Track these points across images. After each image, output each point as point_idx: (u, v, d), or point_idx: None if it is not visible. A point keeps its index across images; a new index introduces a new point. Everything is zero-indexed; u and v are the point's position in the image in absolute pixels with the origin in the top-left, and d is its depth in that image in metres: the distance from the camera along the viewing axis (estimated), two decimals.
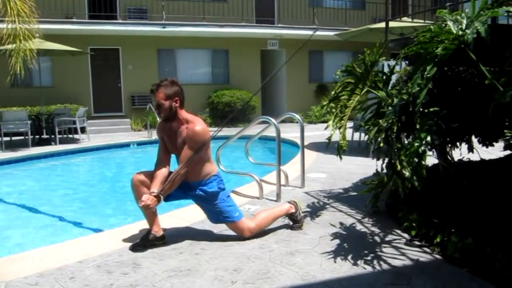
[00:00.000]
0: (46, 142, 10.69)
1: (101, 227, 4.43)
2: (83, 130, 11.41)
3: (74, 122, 11.01)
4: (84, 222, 4.86)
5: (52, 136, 10.77)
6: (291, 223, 3.77)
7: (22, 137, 10.56)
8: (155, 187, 3.22)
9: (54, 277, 2.83)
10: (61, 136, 10.96)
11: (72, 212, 5.35)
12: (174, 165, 3.41)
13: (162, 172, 3.33)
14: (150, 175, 3.34)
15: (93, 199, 6.26)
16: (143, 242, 3.33)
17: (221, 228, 3.71)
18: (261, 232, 3.60)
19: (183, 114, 3.34)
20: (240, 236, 3.48)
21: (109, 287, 2.69)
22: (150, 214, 3.35)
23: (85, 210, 5.50)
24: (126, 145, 11.06)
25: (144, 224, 3.58)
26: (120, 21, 14.08)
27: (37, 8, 7.93)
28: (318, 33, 14.66)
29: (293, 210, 3.75)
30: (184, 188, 3.39)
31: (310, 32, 15.47)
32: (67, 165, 9.35)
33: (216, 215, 3.46)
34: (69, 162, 9.51)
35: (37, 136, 10.94)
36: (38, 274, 2.87)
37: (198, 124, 3.28)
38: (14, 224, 5.01)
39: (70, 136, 11.66)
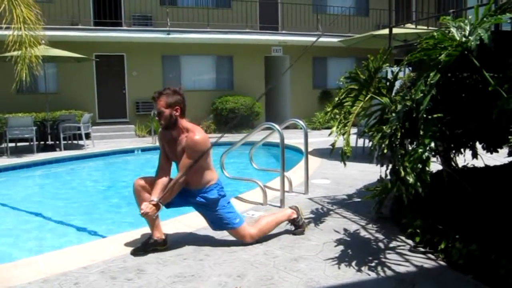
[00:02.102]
0: (51, 148, 10.74)
1: (105, 233, 4.44)
2: (87, 136, 11.45)
3: (79, 128, 11.06)
4: (88, 228, 4.87)
5: (57, 142, 10.82)
6: (293, 228, 3.78)
7: (27, 143, 10.61)
8: (155, 195, 3.26)
9: (59, 282, 2.84)
10: (66, 142, 11.01)
11: (76, 218, 5.36)
12: (175, 172, 3.43)
13: (163, 180, 3.38)
14: (151, 181, 3.39)
15: (97, 205, 6.27)
16: (144, 247, 3.36)
17: (225, 234, 3.71)
18: (265, 238, 3.60)
19: (184, 123, 3.36)
20: (243, 242, 3.49)
21: None
22: (151, 219, 3.37)
23: (89, 216, 5.51)
24: (130, 151, 11.08)
25: (147, 230, 3.59)
26: (125, 28, 14.17)
27: (43, 15, 8.00)
28: (322, 39, 14.70)
29: (295, 216, 3.77)
30: (185, 195, 3.42)
31: (314, 39, 15.52)
32: (71, 171, 9.38)
33: (217, 221, 3.48)
34: (73, 168, 9.54)
35: (42, 142, 10.99)
36: (42, 279, 2.88)
37: (197, 133, 3.29)
38: (18, 229, 5.03)
39: (75, 142, 11.70)
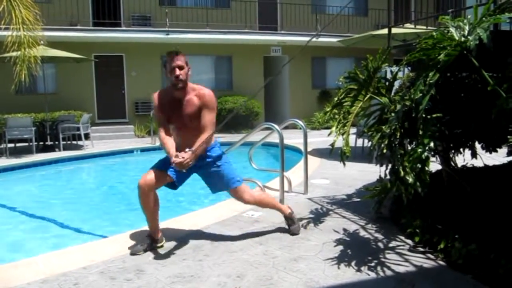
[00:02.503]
0: (50, 149, 10.73)
1: (104, 233, 4.44)
2: (87, 136, 11.45)
3: (78, 129, 11.06)
4: (87, 228, 4.86)
5: (56, 142, 10.81)
6: (287, 226, 3.81)
7: (27, 144, 10.60)
8: (173, 149, 3.19)
9: (58, 283, 2.83)
10: (65, 142, 10.99)
11: (75, 218, 5.35)
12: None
13: (171, 138, 3.33)
14: (158, 176, 3.26)
15: (97, 206, 6.27)
16: (143, 246, 3.38)
17: (224, 233, 3.72)
18: (265, 238, 3.61)
19: (189, 83, 3.40)
20: (242, 201, 3.61)
21: None
22: (152, 218, 3.38)
23: (89, 216, 5.50)
24: (129, 152, 11.07)
25: (146, 230, 3.58)
26: (124, 28, 14.17)
27: (42, 15, 7.98)
28: (321, 39, 14.71)
29: (290, 211, 3.83)
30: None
31: (313, 39, 15.52)
32: (71, 171, 9.37)
33: (219, 181, 3.47)
34: (73, 168, 9.53)
35: (41, 143, 10.98)
36: (41, 280, 2.88)
37: (205, 89, 3.37)
38: (18, 230, 5.02)
39: (74, 142, 11.70)
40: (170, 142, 3.27)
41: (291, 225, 3.79)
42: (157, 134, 3.48)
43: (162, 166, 3.32)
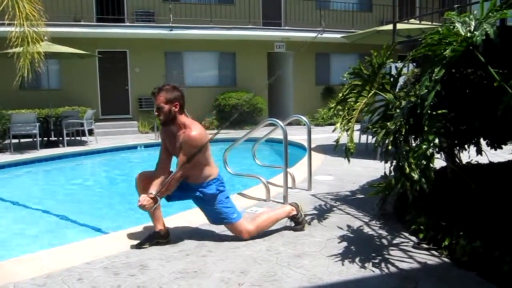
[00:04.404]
0: (54, 144, 10.75)
1: (108, 229, 4.44)
2: (90, 132, 11.46)
3: (82, 125, 11.07)
4: (91, 224, 4.87)
5: (60, 138, 10.83)
6: (293, 224, 3.79)
7: (31, 139, 10.63)
8: (154, 188, 3.26)
9: (62, 278, 2.84)
10: (69, 138, 11.03)
11: (79, 213, 5.37)
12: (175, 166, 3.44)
13: (162, 174, 3.37)
14: (152, 175, 3.39)
15: (100, 201, 6.29)
16: (146, 240, 3.40)
17: (228, 230, 3.71)
18: (268, 234, 3.60)
19: (182, 118, 3.36)
20: (240, 237, 3.51)
21: None
22: (153, 212, 3.40)
23: (92, 212, 5.52)
24: (133, 147, 11.10)
25: (150, 226, 3.59)
26: (128, 24, 14.16)
27: (45, 11, 7.98)
28: (325, 35, 14.65)
29: (294, 213, 3.77)
30: (185, 189, 3.45)
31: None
32: (74, 167, 9.40)
33: (214, 216, 3.50)
34: (76, 164, 9.56)
35: (45, 138, 11.01)
36: (46, 275, 2.89)
37: (194, 130, 3.29)
38: (22, 225, 5.04)
39: (78, 138, 11.72)
40: (157, 180, 3.30)
41: (295, 225, 3.77)
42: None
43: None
